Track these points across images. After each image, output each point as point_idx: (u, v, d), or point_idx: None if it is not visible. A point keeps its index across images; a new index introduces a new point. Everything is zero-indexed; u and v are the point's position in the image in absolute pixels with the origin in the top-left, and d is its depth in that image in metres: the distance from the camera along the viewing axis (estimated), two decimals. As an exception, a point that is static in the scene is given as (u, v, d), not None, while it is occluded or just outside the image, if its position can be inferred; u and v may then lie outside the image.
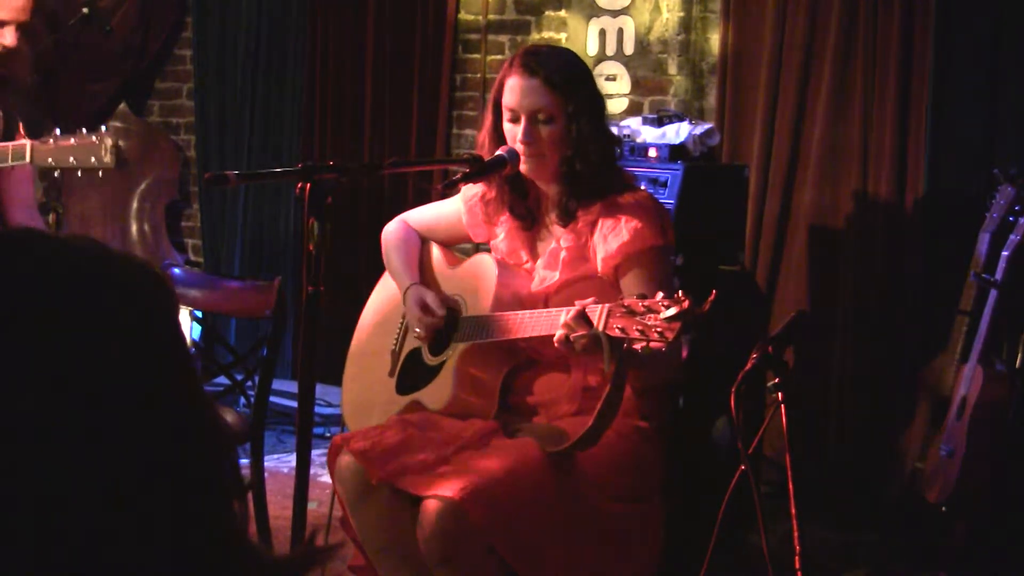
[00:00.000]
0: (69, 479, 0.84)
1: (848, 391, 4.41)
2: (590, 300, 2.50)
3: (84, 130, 3.31)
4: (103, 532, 0.85)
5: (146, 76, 6.40)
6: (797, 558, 2.18)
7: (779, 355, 2.27)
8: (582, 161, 2.77)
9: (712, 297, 2.30)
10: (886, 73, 4.29)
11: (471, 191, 3.00)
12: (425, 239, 3.11)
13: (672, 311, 2.31)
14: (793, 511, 2.19)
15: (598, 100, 2.86)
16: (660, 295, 2.36)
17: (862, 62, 4.34)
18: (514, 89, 2.78)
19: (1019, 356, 3.72)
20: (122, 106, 6.28)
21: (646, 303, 2.37)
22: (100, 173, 3.34)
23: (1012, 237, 3.63)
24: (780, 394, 2.23)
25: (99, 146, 3.28)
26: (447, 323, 2.94)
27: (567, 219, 2.82)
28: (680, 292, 2.34)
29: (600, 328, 2.44)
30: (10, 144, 3.37)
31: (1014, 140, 4.13)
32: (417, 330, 2.93)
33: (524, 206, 2.91)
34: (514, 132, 2.78)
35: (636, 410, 2.79)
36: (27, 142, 3.35)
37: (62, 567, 0.84)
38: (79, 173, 3.34)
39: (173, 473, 0.88)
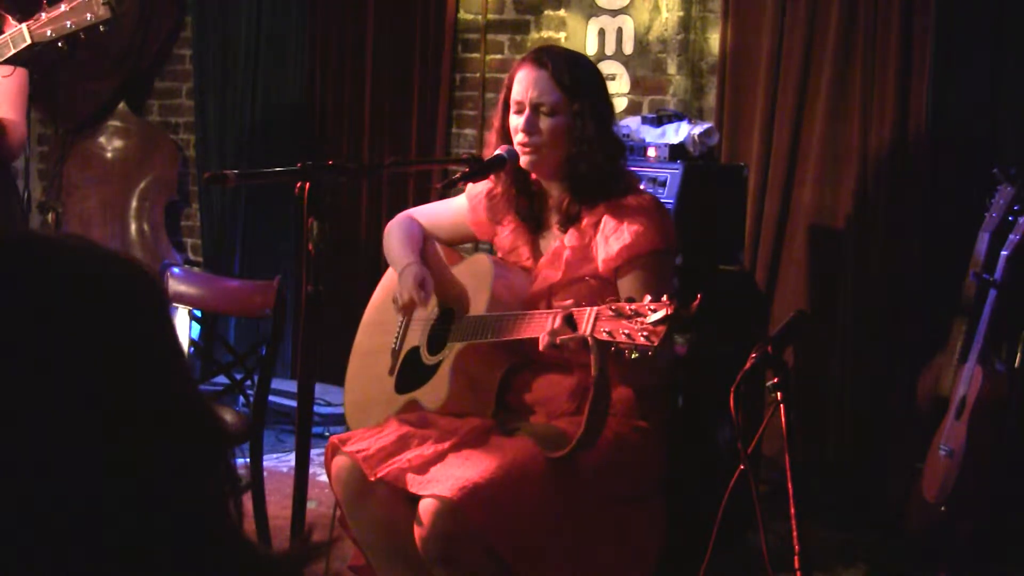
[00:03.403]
0: (63, 478, 0.84)
1: (848, 391, 4.41)
2: (586, 303, 2.50)
3: None
4: (99, 531, 0.84)
5: (146, 76, 6.40)
6: (796, 558, 2.18)
7: (778, 355, 2.27)
8: (586, 162, 2.77)
9: (698, 301, 2.30)
10: (885, 72, 4.29)
11: (476, 188, 3.01)
12: (428, 237, 3.11)
13: (658, 315, 2.32)
14: (792, 511, 2.19)
15: (606, 105, 2.87)
16: (647, 298, 2.36)
17: (861, 61, 4.34)
18: (522, 80, 2.80)
19: (1018, 356, 3.71)
20: (121, 106, 6.29)
21: (633, 306, 2.38)
22: (101, 28, 3.33)
23: (1011, 237, 3.63)
24: (779, 394, 2.23)
25: (90, 2, 3.29)
26: (444, 322, 2.94)
27: (569, 223, 2.82)
28: (666, 296, 2.35)
29: (587, 332, 2.44)
30: (6, 34, 3.38)
31: (1014, 140, 4.13)
32: (398, 299, 2.92)
33: (529, 207, 2.91)
34: (517, 124, 2.80)
35: (635, 410, 2.79)
36: (21, 26, 3.35)
37: (60, 567, 0.84)
38: (82, 34, 3.33)
39: (168, 472, 0.88)
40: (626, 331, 2.36)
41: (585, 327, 2.45)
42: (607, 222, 2.77)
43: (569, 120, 2.78)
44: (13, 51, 3.37)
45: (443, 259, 3.07)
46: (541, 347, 2.54)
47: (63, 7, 3.31)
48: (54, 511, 0.83)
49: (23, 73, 3.58)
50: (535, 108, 2.78)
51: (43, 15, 3.32)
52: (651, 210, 2.78)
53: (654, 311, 2.33)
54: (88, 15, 3.30)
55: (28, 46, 3.36)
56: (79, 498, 0.84)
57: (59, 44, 3.36)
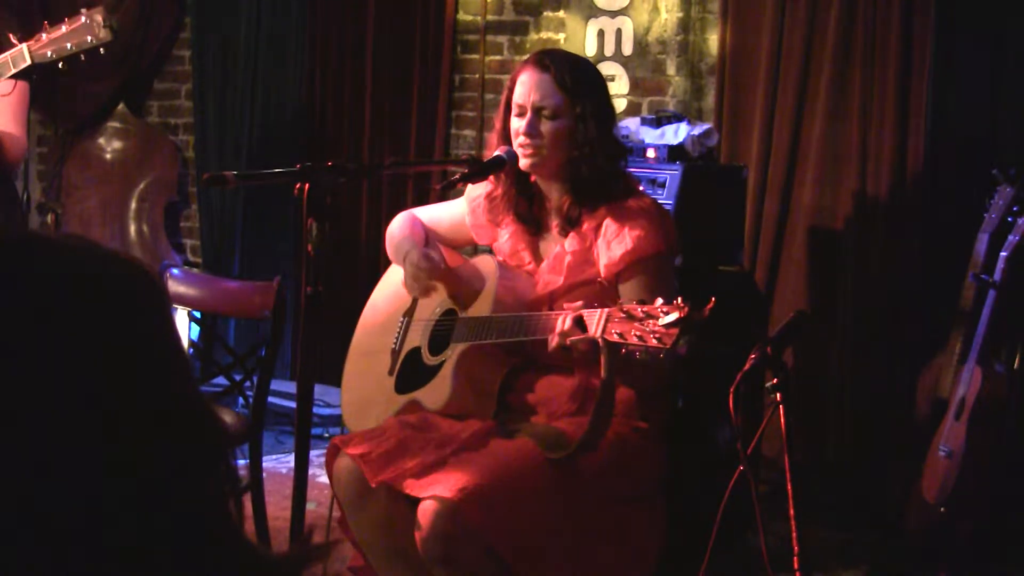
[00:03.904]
0: (63, 478, 0.84)
1: (848, 391, 4.41)
2: (594, 305, 2.50)
3: (67, 18, 3.33)
4: (99, 531, 0.84)
5: (145, 77, 6.40)
6: (796, 558, 2.18)
7: (778, 355, 2.27)
8: (588, 165, 2.77)
9: (711, 304, 2.29)
10: (885, 72, 4.29)
11: (476, 191, 3.01)
12: (430, 238, 3.11)
13: (671, 317, 2.31)
14: (792, 511, 2.19)
15: (608, 108, 2.86)
16: (659, 301, 2.35)
17: (861, 61, 4.34)
18: (524, 83, 2.80)
19: (1017, 357, 3.71)
20: (121, 106, 6.28)
21: (645, 308, 2.37)
22: (101, 50, 3.34)
23: (1011, 238, 3.62)
24: (779, 394, 2.23)
25: (91, 24, 3.30)
26: (446, 323, 2.94)
27: (569, 226, 2.82)
28: (679, 298, 2.34)
29: (598, 333, 2.43)
30: (7, 53, 3.38)
31: (1014, 140, 4.13)
32: (412, 283, 2.92)
33: (529, 210, 2.91)
34: (519, 127, 2.79)
35: (635, 411, 2.79)
36: (22, 46, 3.36)
37: (60, 567, 0.84)
38: (82, 56, 3.34)
39: (168, 472, 0.88)
40: (637, 333, 2.36)
41: (596, 329, 2.45)
42: (608, 226, 2.76)
43: (571, 123, 2.78)
44: (13, 71, 3.38)
45: (445, 260, 3.06)
46: (550, 348, 2.54)
47: (64, 28, 3.31)
48: (54, 511, 0.83)
49: (24, 87, 3.59)
50: (537, 111, 2.78)
51: (44, 35, 3.33)
52: (652, 213, 2.78)
53: (666, 313, 2.32)
54: (89, 37, 3.31)
55: (28, 66, 3.37)
56: (79, 498, 0.84)
57: (59, 65, 3.37)
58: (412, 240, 3.00)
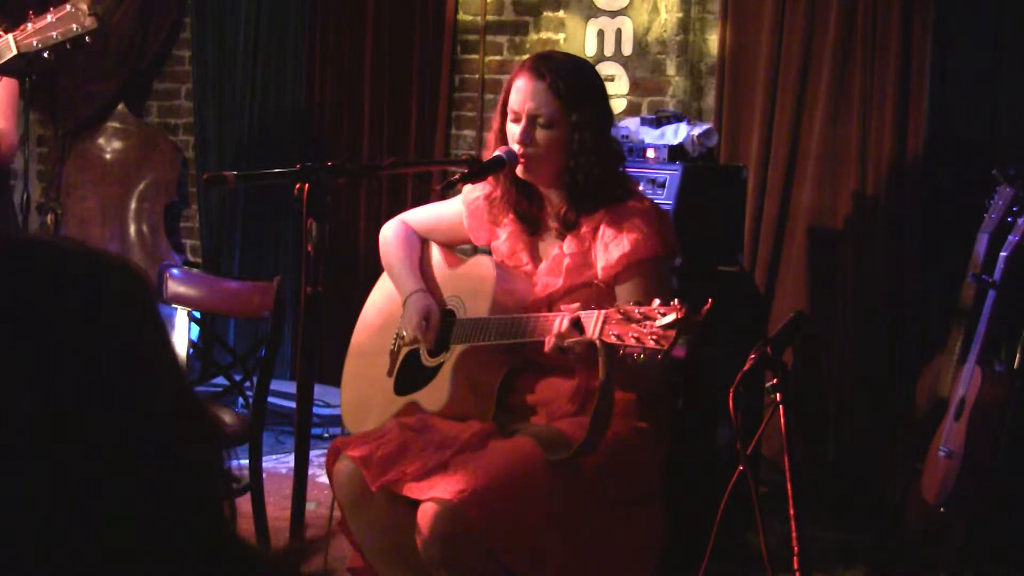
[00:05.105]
0: (59, 480, 0.84)
1: (847, 391, 4.41)
2: (592, 307, 2.49)
3: (51, 8, 3.35)
4: (96, 532, 0.84)
5: (145, 77, 6.40)
6: (796, 558, 2.18)
7: (778, 356, 2.27)
8: (583, 172, 2.75)
9: (708, 305, 2.29)
10: (885, 73, 4.29)
11: (473, 193, 3.00)
12: (424, 239, 3.11)
13: (668, 319, 2.31)
14: (792, 512, 2.19)
15: (605, 115, 2.83)
16: (656, 302, 2.35)
17: (860, 62, 4.34)
18: (520, 90, 2.77)
19: (1017, 357, 3.71)
20: (120, 107, 6.29)
21: (642, 310, 2.37)
22: (87, 38, 3.35)
23: (1010, 238, 3.62)
24: (779, 395, 2.23)
25: (76, 12, 3.32)
26: (444, 324, 2.94)
27: (567, 230, 2.81)
28: (676, 300, 2.33)
29: (595, 335, 2.43)
30: None
31: (1014, 140, 4.13)
32: (405, 334, 2.94)
33: (528, 209, 2.90)
34: (514, 133, 2.78)
35: (635, 412, 2.79)
36: (7, 36, 3.37)
37: (57, 567, 0.84)
38: (68, 44, 3.35)
39: (165, 474, 0.88)
40: (635, 335, 2.35)
41: (593, 331, 2.44)
42: (606, 229, 2.75)
43: (567, 131, 2.75)
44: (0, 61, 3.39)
45: (443, 261, 3.06)
46: (547, 349, 2.54)
47: (50, 17, 3.32)
48: (50, 512, 0.83)
49: (12, 83, 3.59)
50: (532, 119, 2.76)
51: (29, 25, 3.34)
52: (650, 216, 2.77)
53: (663, 315, 2.32)
54: (74, 25, 3.31)
55: (15, 56, 3.37)
56: (75, 498, 0.84)
57: (46, 55, 3.37)
58: (412, 273, 3.00)
